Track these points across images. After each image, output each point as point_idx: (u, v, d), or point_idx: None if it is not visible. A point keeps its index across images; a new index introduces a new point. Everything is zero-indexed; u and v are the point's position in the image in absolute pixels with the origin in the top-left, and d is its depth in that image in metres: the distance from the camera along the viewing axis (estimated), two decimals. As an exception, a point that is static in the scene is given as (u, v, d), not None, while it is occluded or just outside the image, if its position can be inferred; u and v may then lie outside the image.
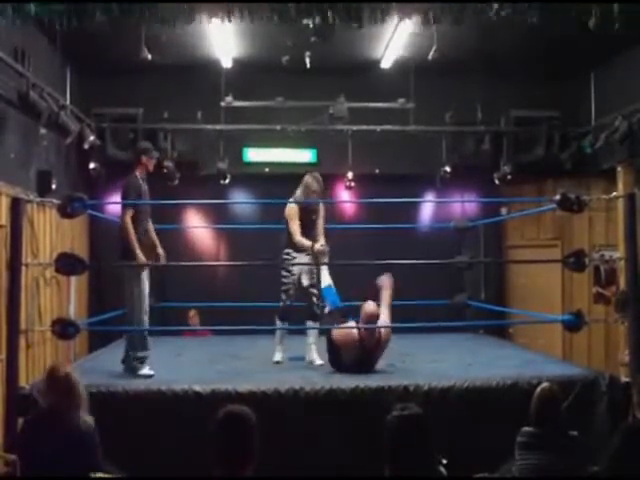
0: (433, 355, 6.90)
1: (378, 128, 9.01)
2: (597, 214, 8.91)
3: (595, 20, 5.26)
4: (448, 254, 8.52)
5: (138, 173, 6.04)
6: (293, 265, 6.40)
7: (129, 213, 5.83)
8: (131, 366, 5.74)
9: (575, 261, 5.74)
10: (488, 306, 8.70)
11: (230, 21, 5.71)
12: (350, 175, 9.17)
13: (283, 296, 6.43)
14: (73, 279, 8.05)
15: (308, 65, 7.53)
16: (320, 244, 6.37)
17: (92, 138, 8.15)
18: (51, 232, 7.55)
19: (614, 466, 3.23)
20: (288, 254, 6.46)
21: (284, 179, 8.77)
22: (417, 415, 3.02)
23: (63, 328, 5.41)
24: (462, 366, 6.28)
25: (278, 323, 6.47)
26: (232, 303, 7.56)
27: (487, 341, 8.38)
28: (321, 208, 6.65)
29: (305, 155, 9.45)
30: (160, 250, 6.19)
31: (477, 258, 9.46)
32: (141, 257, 5.75)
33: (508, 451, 4.07)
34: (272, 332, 6.66)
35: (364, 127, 8.99)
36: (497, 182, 9.15)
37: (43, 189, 7.29)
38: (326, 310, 6.30)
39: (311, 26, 5.63)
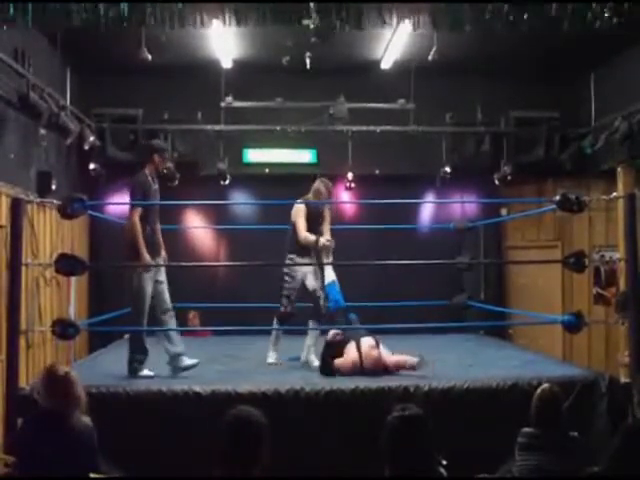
0: (433, 356, 6.89)
1: (378, 129, 9.01)
2: (597, 215, 8.91)
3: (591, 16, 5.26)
4: (448, 255, 8.53)
5: (148, 171, 5.95)
6: (296, 270, 6.38)
7: (137, 212, 5.75)
8: (131, 368, 5.75)
9: (575, 262, 5.73)
10: (488, 307, 8.70)
11: (231, 25, 5.71)
12: (350, 176, 9.17)
13: (284, 301, 6.41)
14: (73, 279, 8.05)
15: (308, 66, 7.53)
16: (326, 239, 6.40)
17: (92, 139, 8.16)
18: (51, 232, 7.55)
19: (614, 466, 3.22)
20: (292, 260, 6.46)
21: (284, 180, 8.83)
22: (417, 416, 3.02)
23: (63, 328, 5.40)
24: (462, 367, 6.28)
25: (275, 324, 6.47)
26: (232, 304, 7.56)
27: (487, 342, 8.38)
28: (327, 212, 6.68)
29: (305, 156, 9.45)
30: (163, 252, 6.16)
31: (477, 259, 9.45)
32: (146, 257, 5.71)
33: (508, 452, 4.07)
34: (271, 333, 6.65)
35: (364, 128, 9.00)
36: (497, 183, 9.16)
37: (43, 189, 7.30)
38: (329, 308, 6.30)
39: (311, 27, 5.63)
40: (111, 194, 9.20)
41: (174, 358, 5.78)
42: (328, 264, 6.45)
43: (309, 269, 6.44)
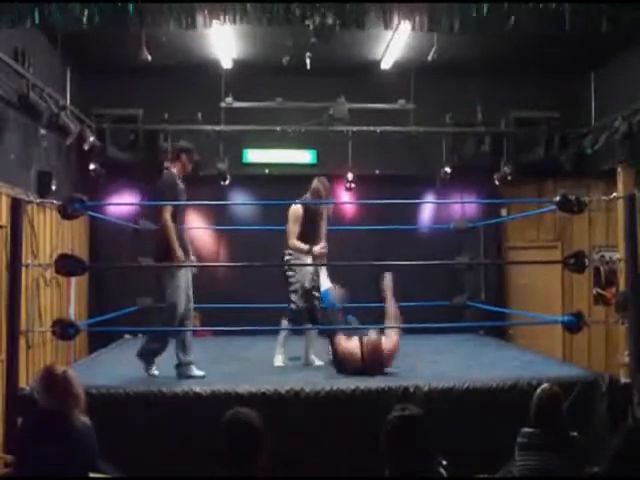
0: (433, 356, 6.91)
1: (378, 129, 9.01)
2: (597, 215, 8.92)
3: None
4: (448, 255, 8.52)
5: (175, 171, 5.90)
6: (296, 265, 6.37)
7: (168, 211, 5.69)
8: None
9: (575, 262, 5.73)
10: (488, 307, 8.70)
11: (234, 22, 5.70)
12: (350, 176, 9.18)
13: (293, 297, 6.34)
14: (73, 280, 8.06)
15: (308, 66, 7.53)
16: (320, 246, 6.38)
17: (92, 139, 8.15)
18: (51, 233, 7.56)
19: (614, 467, 3.22)
20: (291, 254, 6.45)
21: (284, 180, 8.82)
22: (417, 416, 3.02)
23: (63, 329, 5.39)
24: (462, 367, 6.28)
25: (284, 324, 6.43)
26: (232, 305, 7.56)
27: (487, 342, 8.38)
28: (325, 212, 6.67)
29: (305, 156, 9.45)
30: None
31: (477, 259, 9.45)
32: (181, 256, 5.67)
33: (508, 452, 4.07)
34: (272, 333, 6.65)
35: (364, 128, 8.99)
36: (497, 183, 9.16)
37: (43, 190, 7.29)
38: (325, 309, 6.30)
39: (311, 27, 5.63)
40: (111, 194, 9.21)
41: (183, 365, 5.73)
42: (326, 265, 6.44)
43: (309, 268, 6.44)
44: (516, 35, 5.85)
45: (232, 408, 3.08)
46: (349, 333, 6.03)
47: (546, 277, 9.13)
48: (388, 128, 9.00)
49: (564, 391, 4.40)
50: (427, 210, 9.90)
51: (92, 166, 8.53)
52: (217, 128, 8.95)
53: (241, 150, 9.37)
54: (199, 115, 8.88)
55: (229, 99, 8.79)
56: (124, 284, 8.30)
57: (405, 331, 6.58)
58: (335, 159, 9.18)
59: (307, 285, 6.41)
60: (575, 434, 3.98)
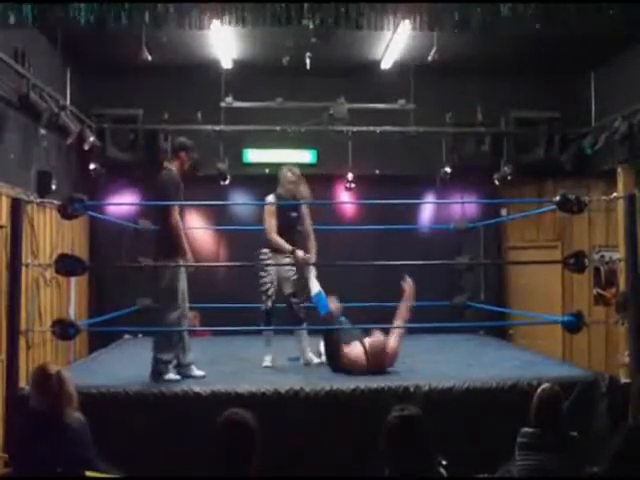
0: (433, 356, 6.90)
1: (378, 129, 9.01)
2: (597, 215, 8.91)
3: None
4: (448, 255, 8.52)
5: (174, 168, 5.83)
6: (269, 265, 6.26)
7: (176, 210, 5.66)
8: (156, 369, 5.55)
9: (575, 262, 5.73)
10: (488, 307, 8.70)
11: (231, 25, 5.71)
12: (350, 176, 9.18)
13: (263, 297, 6.29)
14: (73, 280, 8.06)
15: (308, 66, 7.53)
16: (302, 253, 6.26)
17: (92, 139, 8.15)
18: (51, 233, 7.55)
19: (614, 467, 3.22)
20: (265, 254, 6.36)
21: (284, 180, 8.80)
22: (416, 416, 3.02)
23: (63, 329, 5.39)
24: (462, 367, 6.27)
25: (265, 325, 6.34)
26: (232, 305, 7.56)
27: (487, 342, 8.37)
28: (304, 207, 6.52)
29: (305, 156, 9.44)
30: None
31: (477, 259, 9.45)
32: (190, 255, 5.68)
33: (508, 452, 4.07)
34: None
35: (364, 128, 8.99)
36: (497, 183, 9.16)
37: (43, 190, 7.29)
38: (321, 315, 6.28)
39: (311, 27, 5.63)
40: (111, 194, 9.21)
41: (184, 366, 5.68)
42: (313, 264, 6.38)
43: (289, 274, 6.32)
44: (516, 35, 5.88)
45: (232, 408, 3.08)
46: (348, 340, 6.02)
47: (546, 277, 9.13)
48: (388, 128, 9.00)
49: (564, 391, 4.40)
50: (427, 210, 9.90)
51: (92, 166, 8.53)
52: (217, 128, 8.94)
53: (241, 150, 9.37)
54: (199, 115, 8.87)
55: (229, 99, 8.79)
56: (124, 284, 8.29)
57: (405, 331, 6.59)
58: (335, 159, 9.18)
59: (285, 291, 6.30)
60: (575, 434, 3.99)
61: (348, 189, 9.31)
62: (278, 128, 8.97)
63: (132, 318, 7.47)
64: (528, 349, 7.89)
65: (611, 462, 3.24)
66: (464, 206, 9.79)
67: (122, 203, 9.37)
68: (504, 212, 9.69)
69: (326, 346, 6.22)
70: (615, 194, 7.05)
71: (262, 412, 3.17)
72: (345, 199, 9.60)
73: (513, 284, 9.87)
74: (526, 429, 4.01)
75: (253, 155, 9.47)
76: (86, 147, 8.13)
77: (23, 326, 5.61)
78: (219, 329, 7.82)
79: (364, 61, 8.73)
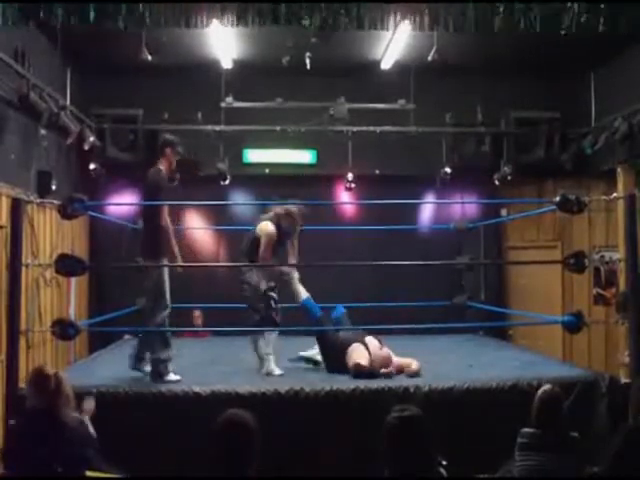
0: (433, 356, 6.90)
1: (378, 129, 9.01)
2: (597, 215, 8.91)
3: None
4: (448, 255, 8.53)
5: (163, 167, 5.81)
6: (251, 276, 6.14)
7: (167, 210, 5.66)
8: (156, 370, 5.52)
9: (575, 262, 5.73)
10: (488, 307, 8.70)
11: (235, 25, 5.70)
12: (350, 176, 9.18)
13: (250, 311, 6.16)
14: (73, 280, 8.06)
15: (308, 66, 7.53)
16: (286, 269, 6.23)
17: (92, 139, 8.15)
18: (51, 233, 7.56)
19: (614, 467, 3.22)
20: (249, 270, 6.18)
21: (284, 180, 8.83)
22: (416, 416, 3.02)
23: (63, 329, 5.40)
24: (462, 367, 6.28)
25: (268, 333, 6.14)
26: (232, 304, 7.55)
27: (487, 342, 8.37)
28: (296, 241, 6.48)
29: (305, 156, 9.45)
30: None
31: (477, 259, 9.46)
32: (178, 255, 5.70)
33: (508, 452, 4.07)
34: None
35: (364, 128, 8.99)
36: (497, 183, 9.16)
37: (43, 190, 7.30)
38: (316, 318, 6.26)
39: (311, 27, 5.63)
40: (111, 194, 9.21)
41: (162, 362, 5.55)
42: (318, 265, 6.35)
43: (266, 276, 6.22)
44: (516, 35, 5.85)
45: (232, 408, 3.08)
46: (346, 344, 6.01)
47: (546, 277, 9.13)
48: (388, 128, 9.00)
49: (564, 391, 4.40)
50: (427, 210, 9.90)
51: (92, 166, 8.53)
52: (217, 128, 8.94)
53: (241, 150, 9.37)
54: (199, 115, 8.87)
55: (229, 99, 8.79)
56: (124, 284, 8.28)
57: (405, 331, 6.60)
58: (335, 159, 9.18)
59: (262, 287, 6.12)
60: (575, 434, 3.99)
61: (348, 189, 9.31)
62: (278, 128, 8.97)
63: (132, 318, 7.45)
64: (528, 349, 7.89)
65: (611, 462, 3.24)
66: (464, 206, 9.80)
67: (122, 203, 9.36)
68: (504, 212, 9.70)
69: (323, 348, 6.19)
70: (615, 194, 7.05)
71: (262, 412, 3.17)
72: (345, 199, 9.61)
73: (513, 284, 9.88)
74: (526, 429, 4.01)
75: (253, 155, 9.47)
76: (86, 147, 8.13)
77: (23, 326, 5.62)
78: (219, 329, 7.81)
79: (364, 61, 8.73)
